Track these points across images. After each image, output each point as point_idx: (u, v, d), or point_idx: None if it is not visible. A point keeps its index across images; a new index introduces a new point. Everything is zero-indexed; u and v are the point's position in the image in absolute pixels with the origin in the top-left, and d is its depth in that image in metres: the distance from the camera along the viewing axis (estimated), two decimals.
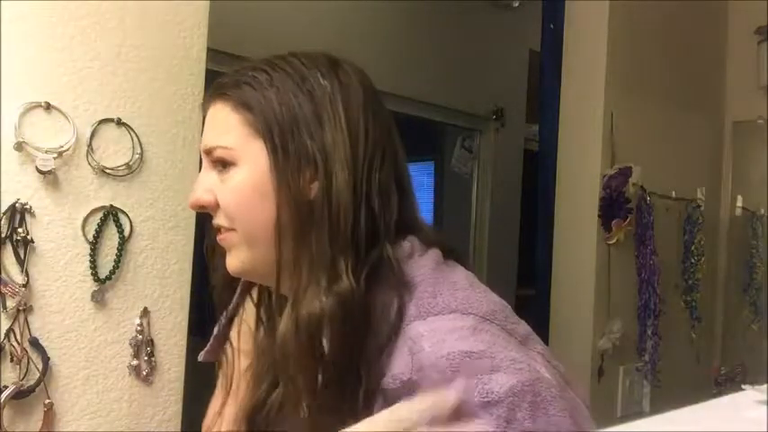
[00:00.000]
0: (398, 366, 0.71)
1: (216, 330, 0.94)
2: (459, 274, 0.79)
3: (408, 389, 0.70)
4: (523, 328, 0.76)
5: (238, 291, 0.91)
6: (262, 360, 0.86)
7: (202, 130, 0.85)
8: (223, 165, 0.80)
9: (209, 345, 0.94)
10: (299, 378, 0.75)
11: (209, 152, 0.82)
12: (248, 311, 0.91)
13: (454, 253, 0.84)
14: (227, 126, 0.80)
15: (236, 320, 0.91)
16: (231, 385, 0.91)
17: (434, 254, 0.80)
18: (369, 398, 0.73)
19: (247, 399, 0.86)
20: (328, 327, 0.73)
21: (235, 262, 0.82)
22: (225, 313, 0.93)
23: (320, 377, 0.74)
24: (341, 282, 0.74)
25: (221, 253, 0.85)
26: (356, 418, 0.70)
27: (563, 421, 0.67)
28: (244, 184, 0.79)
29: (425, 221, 0.86)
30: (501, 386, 0.66)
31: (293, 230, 0.77)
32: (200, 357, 0.94)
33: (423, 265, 0.78)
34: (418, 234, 0.82)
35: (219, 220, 0.82)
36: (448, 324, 0.72)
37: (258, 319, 0.89)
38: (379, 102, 0.84)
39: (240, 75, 0.82)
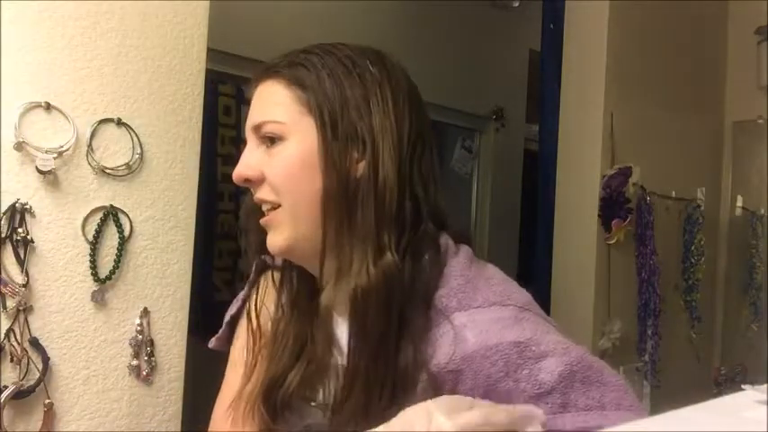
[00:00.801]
0: (441, 355, 0.74)
1: (227, 317, 0.95)
2: (492, 270, 0.84)
3: (452, 377, 0.73)
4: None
5: (252, 275, 0.92)
6: (280, 341, 0.87)
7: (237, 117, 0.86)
8: (271, 141, 0.82)
9: (220, 332, 0.95)
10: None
11: (258, 128, 0.83)
12: (269, 295, 0.91)
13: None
14: (278, 102, 0.82)
15: (251, 303, 0.91)
16: (255, 363, 0.91)
17: (467, 250, 0.85)
18: (406, 380, 0.75)
19: (264, 378, 0.87)
20: (374, 298, 0.76)
21: (278, 240, 0.82)
22: (235, 301, 0.94)
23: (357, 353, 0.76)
24: (385, 256, 0.77)
25: (256, 221, 0.86)
26: (389, 403, 0.72)
27: (618, 382, 0.72)
28: (293, 158, 0.81)
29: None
30: (551, 374, 0.70)
31: (339, 207, 0.79)
32: (211, 344, 0.95)
33: (458, 261, 0.82)
34: (449, 230, 0.86)
35: (264, 194, 0.83)
36: (490, 315, 0.75)
37: (279, 301, 0.89)
38: (419, 96, 0.87)
39: (293, 56, 0.84)
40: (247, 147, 0.85)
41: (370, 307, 0.76)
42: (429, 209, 0.83)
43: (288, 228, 0.82)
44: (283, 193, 0.81)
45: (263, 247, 0.87)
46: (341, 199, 0.79)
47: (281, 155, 0.81)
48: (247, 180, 0.83)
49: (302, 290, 0.88)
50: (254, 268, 0.93)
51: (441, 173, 0.89)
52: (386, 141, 0.80)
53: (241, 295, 0.95)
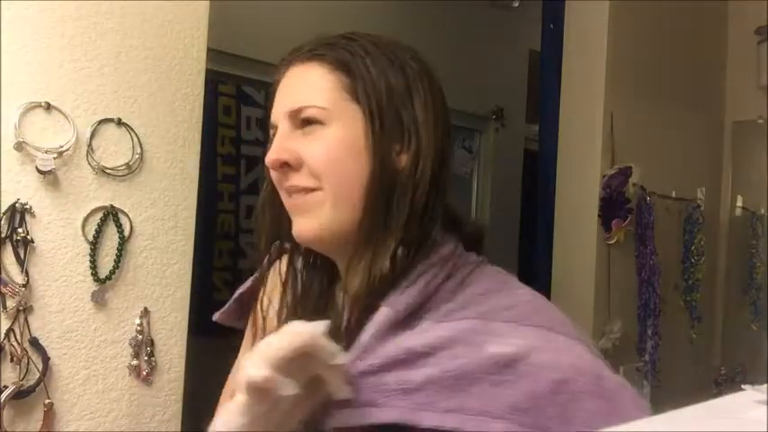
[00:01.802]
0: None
1: (237, 294, 0.94)
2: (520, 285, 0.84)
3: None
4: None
5: (266, 262, 0.91)
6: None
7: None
8: (307, 125, 0.80)
9: (226, 306, 0.94)
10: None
11: (295, 113, 0.80)
12: (277, 288, 0.90)
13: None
14: (321, 87, 0.80)
15: (264, 288, 0.90)
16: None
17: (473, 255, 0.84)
18: None
19: None
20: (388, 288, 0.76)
21: (312, 225, 0.80)
22: (248, 281, 0.93)
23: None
24: (417, 246, 0.78)
25: (274, 209, 0.85)
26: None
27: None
28: (336, 142, 0.79)
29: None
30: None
31: (381, 196, 0.78)
32: (216, 317, 0.94)
33: (487, 273, 0.82)
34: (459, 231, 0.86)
35: (300, 180, 0.80)
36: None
37: (285, 291, 0.88)
38: (440, 86, 0.86)
39: (333, 40, 0.82)
40: (280, 131, 0.82)
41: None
42: (444, 204, 0.83)
43: (326, 212, 0.79)
44: (325, 177, 0.79)
45: (280, 236, 0.86)
46: (384, 188, 0.78)
47: (322, 138, 0.79)
48: (284, 164, 0.80)
49: (318, 279, 0.87)
50: (271, 253, 0.90)
51: None
52: (427, 136, 0.80)
53: (252, 279, 0.94)
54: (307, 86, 0.81)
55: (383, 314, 0.75)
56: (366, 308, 0.77)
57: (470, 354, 0.71)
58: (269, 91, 0.88)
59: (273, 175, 0.83)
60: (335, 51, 0.81)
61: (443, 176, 0.82)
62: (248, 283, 0.94)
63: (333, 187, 0.79)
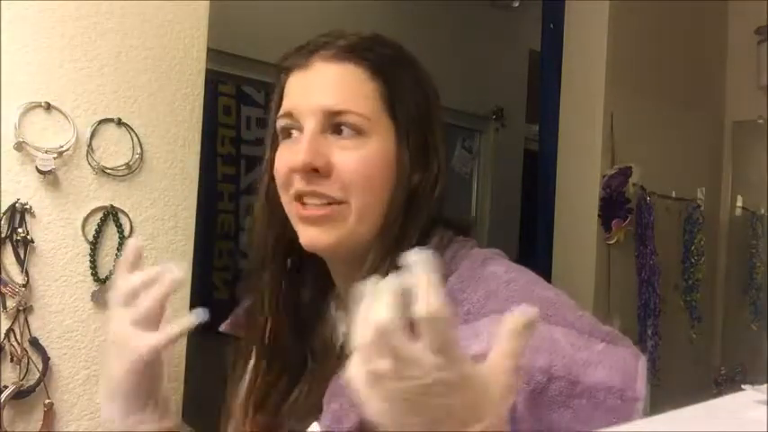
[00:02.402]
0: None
1: (240, 306, 0.91)
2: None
3: None
4: None
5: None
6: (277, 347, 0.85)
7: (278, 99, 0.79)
8: (339, 131, 0.75)
9: (231, 317, 0.91)
10: None
11: (334, 114, 0.75)
12: None
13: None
14: (363, 92, 0.76)
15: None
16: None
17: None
18: None
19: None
20: None
21: (329, 237, 0.76)
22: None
23: None
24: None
25: (263, 230, 0.82)
26: None
27: None
28: (374, 156, 0.75)
29: None
30: None
31: (402, 213, 0.77)
32: (222, 328, 0.92)
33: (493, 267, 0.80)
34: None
35: (328, 189, 0.75)
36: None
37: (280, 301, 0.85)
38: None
39: (366, 39, 0.79)
40: (310, 131, 0.75)
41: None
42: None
43: (348, 226, 0.76)
44: (355, 191, 0.75)
45: (286, 244, 0.81)
46: (405, 206, 0.77)
47: (361, 150, 0.75)
48: (313, 170, 0.74)
49: (309, 287, 0.85)
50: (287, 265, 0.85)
51: None
52: (445, 157, 0.80)
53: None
54: (347, 88, 0.75)
55: None
56: None
57: None
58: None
59: (286, 178, 0.77)
60: (374, 55, 0.77)
61: (446, 187, 0.82)
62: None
63: (360, 202, 0.75)
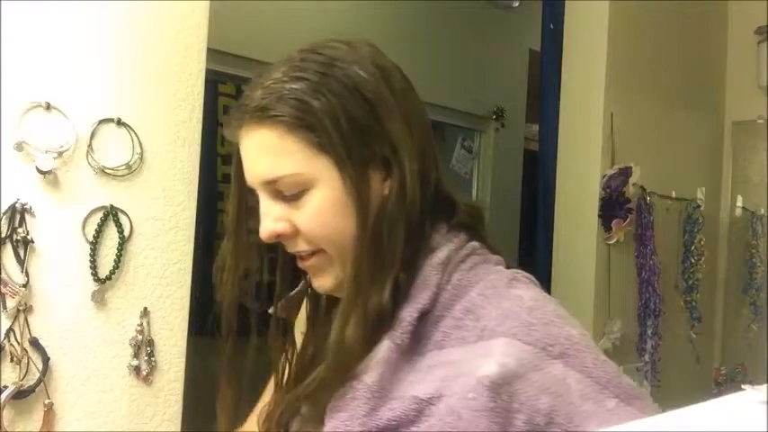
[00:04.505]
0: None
1: (295, 291, 0.90)
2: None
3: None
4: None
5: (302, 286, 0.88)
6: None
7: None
8: (290, 192, 0.75)
9: (283, 300, 0.90)
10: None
11: (270, 183, 0.76)
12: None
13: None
14: (284, 151, 0.74)
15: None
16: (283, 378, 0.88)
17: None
18: None
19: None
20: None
21: (329, 282, 0.79)
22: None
23: None
24: (418, 269, 0.76)
25: (232, 275, 0.86)
26: None
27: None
28: (324, 204, 0.75)
29: None
30: None
31: (376, 233, 0.75)
32: (274, 311, 0.90)
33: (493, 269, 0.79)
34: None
35: (299, 246, 0.78)
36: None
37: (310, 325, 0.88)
38: (408, 80, 0.81)
39: (275, 90, 0.75)
40: (264, 200, 0.77)
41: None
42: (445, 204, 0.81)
43: (335, 269, 0.78)
44: (324, 242, 0.76)
45: (293, 284, 0.86)
46: (376, 226, 0.75)
47: (309, 204, 0.75)
48: (279, 236, 0.77)
49: (327, 304, 0.86)
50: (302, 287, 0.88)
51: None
52: (409, 156, 0.75)
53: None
54: (270, 154, 0.75)
55: (387, 349, 0.73)
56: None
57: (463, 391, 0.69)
58: None
59: (270, 243, 0.80)
60: (284, 105, 0.73)
61: (434, 178, 0.79)
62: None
63: (334, 249, 0.76)
